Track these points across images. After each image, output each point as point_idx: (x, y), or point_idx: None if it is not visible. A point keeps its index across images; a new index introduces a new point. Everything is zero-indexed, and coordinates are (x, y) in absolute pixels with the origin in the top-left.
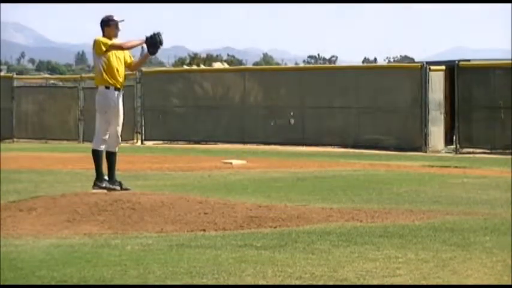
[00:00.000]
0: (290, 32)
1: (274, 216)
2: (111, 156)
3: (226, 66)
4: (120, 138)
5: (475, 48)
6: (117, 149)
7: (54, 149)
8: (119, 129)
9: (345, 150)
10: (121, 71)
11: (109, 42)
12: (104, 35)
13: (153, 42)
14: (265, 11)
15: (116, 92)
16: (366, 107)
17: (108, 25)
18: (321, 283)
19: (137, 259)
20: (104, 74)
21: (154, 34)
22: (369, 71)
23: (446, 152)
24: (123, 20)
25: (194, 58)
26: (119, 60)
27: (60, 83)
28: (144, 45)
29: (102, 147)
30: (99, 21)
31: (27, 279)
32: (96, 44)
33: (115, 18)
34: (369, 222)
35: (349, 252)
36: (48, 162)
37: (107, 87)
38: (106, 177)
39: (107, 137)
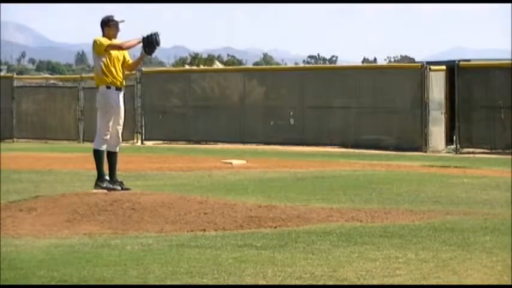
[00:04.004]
0: (290, 32)
1: (274, 216)
2: (112, 156)
3: (221, 66)
4: (120, 139)
5: (475, 48)
6: (118, 149)
7: (54, 149)
8: (120, 129)
9: (345, 150)
10: (120, 70)
11: (108, 42)
12: (103, 35)
13: (150, 42)
14: (265, 11)
15: (117, 92)
16: (366, 107)
17: (108, 25)
18: (321, 283)
19: (137, 259)
20: (104, 74)
21: (151, 34)
22: (369, 71)
23: (446, 152)
24: (123, 21)
25: (195, 58)
26: (118, 60)
27: (60, 83)
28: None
29: (104, 147)
30: (100, 22)
31: (27, 279)
32: (96, 44)
33: (115, 18)
34: (369, 222)
35: (349, 252)
36: (48, 162)
37: (108, 87)
38: (107, 177)
39: (108, 137)
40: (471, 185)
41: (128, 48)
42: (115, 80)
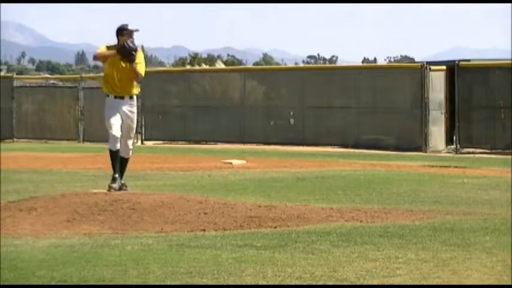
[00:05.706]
0: (290, 32)
1: (274, 216)
2: (122, 160)
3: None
4: (129, 147)
5: (475, 48)
6: (128, 156)
7: (54, 149)
8: (127, 137)
9: (345, 150)
10: (119, 79)
11: (100, 51)
12: (118, 43)
13: (126, 52)
14: (265, 11)
15: (117, 100)
16: (366, 107)
17: (122, 34)
18: (321, 283)
19: (137, 259)
20: (104, 82)
21: (123, 45)
22: (369, 71)
23: (446, 152)
24: (137, 30)
25: (195, 58)
26: (117, 69)
27: (60, 83)
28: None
29: (117, 147)
30: (115, 30)
31: (27, 279)
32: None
33: (129, 27)
34: (369, 222)
35: (349, 252)
36: (48, 162)
37: (107, 95)
38: (117, 175)
39: (117, 135)
40: (471, 185)
41: (99, 57)
42: (111, 90)
